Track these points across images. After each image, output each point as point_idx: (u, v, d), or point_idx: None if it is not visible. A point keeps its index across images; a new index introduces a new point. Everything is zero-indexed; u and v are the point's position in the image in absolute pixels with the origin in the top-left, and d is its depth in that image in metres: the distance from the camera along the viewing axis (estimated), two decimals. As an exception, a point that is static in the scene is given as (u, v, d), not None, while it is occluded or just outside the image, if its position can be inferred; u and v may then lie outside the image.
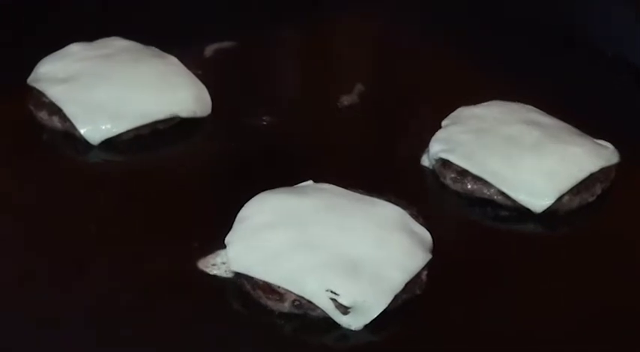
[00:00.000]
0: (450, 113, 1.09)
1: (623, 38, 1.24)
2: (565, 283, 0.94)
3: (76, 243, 0.95)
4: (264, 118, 1.13)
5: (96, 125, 1.06)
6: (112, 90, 1.07)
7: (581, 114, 1.10)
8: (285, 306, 0.88)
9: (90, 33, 1.15)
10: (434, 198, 1.04)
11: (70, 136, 1.07)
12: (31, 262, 0.93)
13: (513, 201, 1.00)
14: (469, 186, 1.02)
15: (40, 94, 1.08)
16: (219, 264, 0.92)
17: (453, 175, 1.03)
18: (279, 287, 0.88)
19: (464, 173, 1.02)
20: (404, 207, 0.95)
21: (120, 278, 0.92)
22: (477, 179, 1.02)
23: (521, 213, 1.00)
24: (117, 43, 1.14)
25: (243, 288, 0.90)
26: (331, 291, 0.86)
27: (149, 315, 0.88)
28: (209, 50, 1.23)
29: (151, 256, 0.94)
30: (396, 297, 0.88)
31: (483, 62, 1.25)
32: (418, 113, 1.16)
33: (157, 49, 1.15)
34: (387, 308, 0.87)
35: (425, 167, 1.06)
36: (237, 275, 0.90)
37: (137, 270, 0.92)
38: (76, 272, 0.92)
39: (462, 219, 1.02)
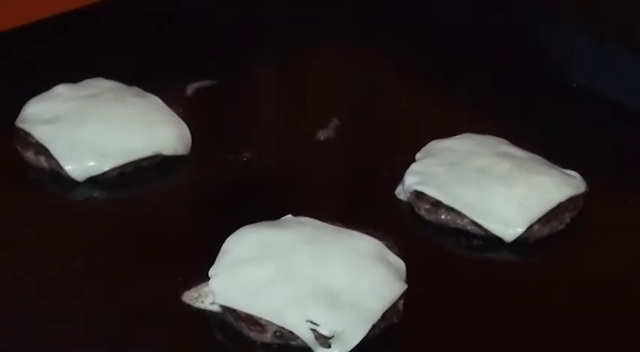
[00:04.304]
0: (423, 146, 1.11)
1: (587, 68, 1.27)
2: (537, 309, 0.96)
3: (61, 277, 0.97)
4: (243, 154, 1.15)
5: (81, 163, 1.08)
6: (96, 130, 1.10)
7: (548, 145, 1.13)
8: (267, 337, 0.90)
9: (75, 74, 1.18)
10: (409, 228, 1.06)
11: (56, 175, 1.09)
12: (15, 296, 0.95)
13: (485, 230, 1.03)
14: (443, 217, 1.05)
15: (26, 135, 1.11)
16: (203, 297, 0.94)
17: (427, 206, 1.06)
18: (260, 318, 0.90)
19: (438, 204, 1.05)
20: (380, 239, 0.98)
21: (105, 311, 0.94)
22: (450, 210, 1.04)
23: (494, 242, 1.03)
24: (101, 84, 1.16)
25: (225, 320, 0.92)
26: (311, 322, 0.89)
27: (134, 347, 0.90)
28: (190, 89, 1.25)
29: (135, 290, 0.96)
30: (374, 326, 0.90)
31: (454, 96, 1.28)
32: (393, 146, 1.18)
33: (139, 89, 1.17)
34: (365, 337, 0.89)
35: (400, 199, 1.09)
36: (221, 307, 0.93)
37: (122, 304, 0.94)
38: (61, 306, 0.94)
39: (437, 248, 1.04)
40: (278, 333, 0.90)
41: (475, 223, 1.03)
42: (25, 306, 0.94)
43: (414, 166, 1.09)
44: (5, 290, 0.96)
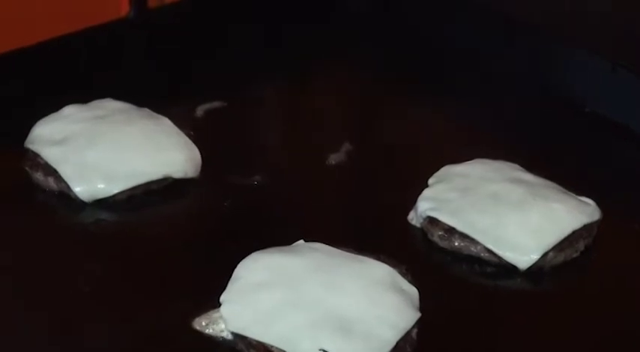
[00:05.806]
0: (435, 171, 1.11)
1: (599, 94, 1.26)
2: (552, 337, 0.95)
3: (67, 302, 0.96)
4: (254, 178, 1.14)
5: (90, 185, 1.07)
6: (106, 151, 1.09)
7: (562, 171, 1.12)
8: (279, 365, 0.89)
9: (84, 95, 1.17)
10: (422, 255, 1.05)
11: (65, 196, 1.08)
12: (20, 320, 0.94)
13: (499, 257, 1.02)
14: (456, 244, 1.04)
15: (35, 156, 1.10)
16: (214, 324, 0.93)
17: (440, 233, 1.04)
18: (272, 346, 0.89)
19: (451, 230, 1.04)
20: (393, 265, 0.97)
21: (113, 337, 0.93)
22: (463, 236, 1.03)
23: (508, 269, 1.02)
24: (110, 105, 1.15)
25: (237, 347, 0.91)
26: (324, 351, 0.88)
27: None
28: (200, 110, 1.24)
29: (144, 315, 0.95)
30: (387, 355, 0.89)
31: (466, 121, 1.27)
32: (405, 172, 1.17)
33: (149, 110, 1.16)
34: (379, 366, 0.88)
35: (413, 225, 1.08)
36: (232, 334, 0.91)
37: (130, 330, 0.93)
38: (68, 331, 0.93)
39: (450, 276, 1.03)
40: (290, 361, 0.89)
41: (489, 250, 1.02)
42: (29, 330, 0.93)
43: (426, 192, 1.08)
44: (10, 313, 0.95)
